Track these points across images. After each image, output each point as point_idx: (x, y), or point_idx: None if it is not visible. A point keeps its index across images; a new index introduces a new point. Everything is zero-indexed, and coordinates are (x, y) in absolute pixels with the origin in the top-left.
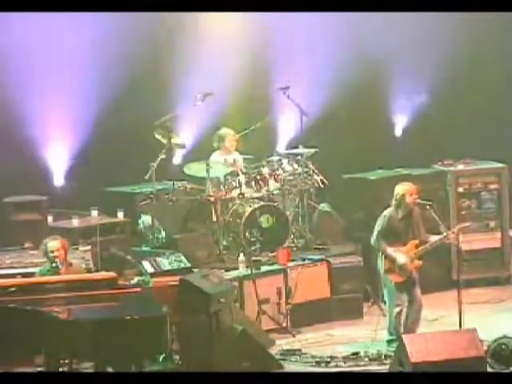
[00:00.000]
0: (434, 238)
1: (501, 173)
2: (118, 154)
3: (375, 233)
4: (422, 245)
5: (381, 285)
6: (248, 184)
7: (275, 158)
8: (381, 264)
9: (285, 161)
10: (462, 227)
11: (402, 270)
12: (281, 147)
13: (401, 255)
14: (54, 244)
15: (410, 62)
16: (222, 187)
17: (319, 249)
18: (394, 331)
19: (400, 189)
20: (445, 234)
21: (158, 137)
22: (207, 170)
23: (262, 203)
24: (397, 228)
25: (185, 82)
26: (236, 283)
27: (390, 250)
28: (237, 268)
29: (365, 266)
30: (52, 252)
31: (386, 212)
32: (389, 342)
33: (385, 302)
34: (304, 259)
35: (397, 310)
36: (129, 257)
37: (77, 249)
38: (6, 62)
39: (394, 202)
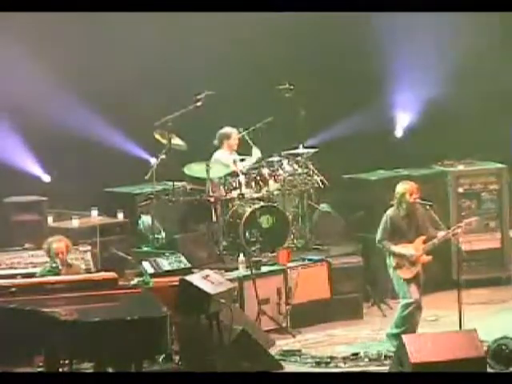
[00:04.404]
0: (441, 234)
1: (501, 173)
2: (118, 154)
3: (379, 233)
4: (429, 241)
5: (381, 285)
6: (248, 184)
7: (275, 158)
8: (389, 262)
9: (285, 161)
10: (470, 222)
11: (411, 263)
12: (281, 147)
13: (408, 248)
14: (59, 245)
15: (412, 62)
16: (221, 188)
17: (319, 249)
18: (401, 326)
19: (400, 188)
20: (453, 227)
21: (158, 137)
22: (207, 171)
23: (261, 204)
24: (400, 226)
25: (185, 82)
26: (236, 283)
27: (395, 247)
28: (237, 268)
29: (365, 266)
30: (56, 254)
31: (388, 212)
32: (391, 335)
33: (394, 298)
34: (304, 259)
35: (408, 302)
36: (129, 257)
37: (77, 249)
38: None
39: (395, 201)
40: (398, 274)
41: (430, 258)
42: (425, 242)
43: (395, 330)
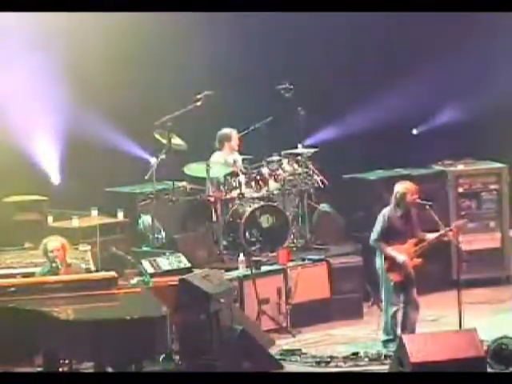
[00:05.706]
0: (431, 236)
1: (501, 173)
2: (118, 154)
3: (375, 233)
4: (420, 243)
5: (380, 285)
6: (248, 184)
7: (275, 158)
8: (381, 263)
9: (285, 161)
10: (459, 224)
11: (402, 268)
12: (281, 147)
13: (400, 254)
14: (54, 244)
15: (411, 63)
16: (221, 187)
17: (319, 249)
18: (390, 331)
19: (400, 187)
20: (442, 231)
21: (158, 137)
22: (207, 171)
23: (261, 203)
24: (396, 226)
25: (185, 82)
26: (236, 283)
27: (388, 250)
28: (237, 268)
29: (365, 265)
30: (52, 252)
31: (385, 211)
32: (385, 342)
33: (382, 301)
34: (304, 259)
35: (394, 309)
36: (129, 257)
37: (77, 249)
38: None
39: (393, 201)
40: (388, 275)
41: (420, 260)
42: (416, 244)
43: (385, 337)
